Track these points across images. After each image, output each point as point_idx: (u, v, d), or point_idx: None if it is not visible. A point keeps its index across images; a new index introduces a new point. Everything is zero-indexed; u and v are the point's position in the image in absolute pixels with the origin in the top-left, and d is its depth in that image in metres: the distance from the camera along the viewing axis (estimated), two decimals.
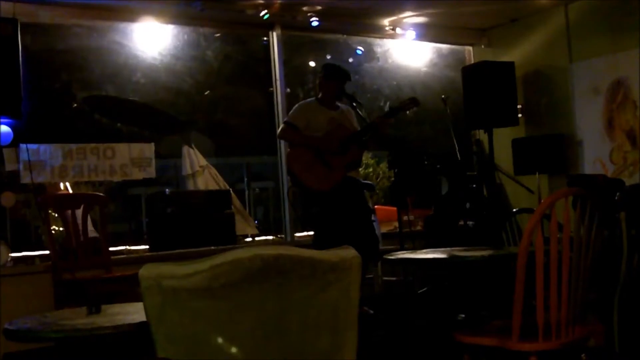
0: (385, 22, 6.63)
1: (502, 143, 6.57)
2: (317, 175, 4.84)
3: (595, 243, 2.65)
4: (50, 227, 4.54)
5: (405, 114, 5.28)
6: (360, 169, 5.86)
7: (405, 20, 6.63)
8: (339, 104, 5.08)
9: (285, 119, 5.10)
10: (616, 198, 3.27)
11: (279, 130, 5.17)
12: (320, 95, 5.08)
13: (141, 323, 2.03)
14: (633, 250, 3.23)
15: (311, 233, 5.41)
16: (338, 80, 5.01)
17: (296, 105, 5.13)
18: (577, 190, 2.67)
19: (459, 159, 5.80)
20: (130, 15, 5.70)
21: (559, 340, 2.55)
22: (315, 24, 6.14)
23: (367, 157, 7.17)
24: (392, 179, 6.09)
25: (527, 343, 2.54)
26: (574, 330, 2.62)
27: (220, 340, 1.84)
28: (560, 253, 2.51)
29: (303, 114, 4.98)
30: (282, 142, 6.06)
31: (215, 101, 7.03)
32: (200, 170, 6.30)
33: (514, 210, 4.19)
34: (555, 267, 2.51)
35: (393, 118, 4.98)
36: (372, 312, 4.73)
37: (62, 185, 5.51)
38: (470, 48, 7.43)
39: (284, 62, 6.29)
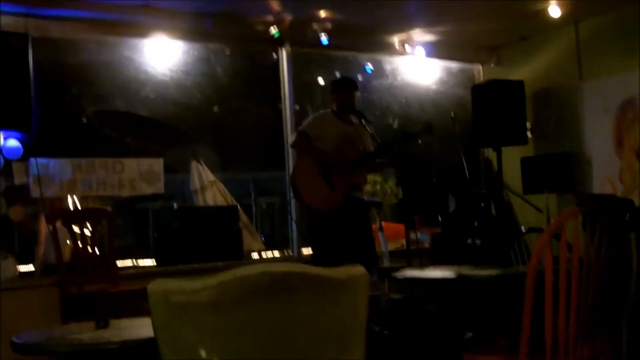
0: (395, 39, 6.65)
1: (510, 161, 6.55)
2: (318, 193, 4.84)
3: (604, 263, 2.63)
4: (58, 242, 4.55)
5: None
6: (367, 186, 5.85)
7: (414, 37, 6.65)
8: (353, 119, 5.08)
9: (299, 128, 5.11)
10: (626, 218, 3.26)
11: (291, 139, 5.19)
12: (334, 108, 5.11)
13: (148, 338, 2.03)
14: None
15: None
16: (344, 90, 5.03)
17: (311, 116, 5.17)
18: (587, 210, 2.66)
19: (467, 176, 5.79)
20: (141, 30, 5.74)
21: (567, 359, 2.53)
22: (324, 41, 6.17)
23: (374, 174, 7.17)
24: (400, 196, 6.08)
25: None
26: (582, 349, 2.60)
27: (226, 355, 1.84)
28: (569, 273, 2.49)
29: (317, 124, 5.00)
30: (290, 158, 6.07)
31: (224, 116, 7.05)
32: (208, 185, 6.32)
33: (523, 229, 4.18)
34: (564, 287, 2.49)
35: (405, 144, 4.96)
36: (378, 329, 4.70)
37: (70, 200, 5.53)
38: (480, 66, 7.44)
39: (293, 79, 6.32)
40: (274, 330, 1.86)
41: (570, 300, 2.51)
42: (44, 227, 5.14)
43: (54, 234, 4.50)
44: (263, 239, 6.72)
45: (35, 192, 5.09)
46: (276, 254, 6.37)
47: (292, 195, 5.13)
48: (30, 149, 5.07)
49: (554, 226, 2.53)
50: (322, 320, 1.92)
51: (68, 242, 4.77)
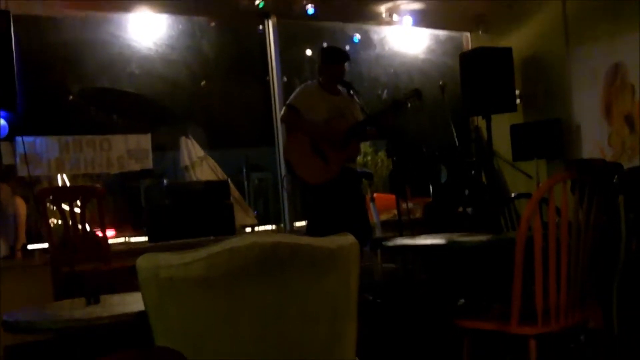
0: (382, 8, 6.60)
1: (500, 129, 6.55)
2: (312, 168, 4.82)
3: (593, 227, 2.64)
4: (48, 221, 4.53)
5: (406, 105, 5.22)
6: (358, 158, 5.83)
7: (401, 6, 6.60)
8: (341, 88, 5.03)
9: (287, 102, 5.05)
10: (614, 182, 3.26)
11: (281, 113, 5.14)
12: (321, 79, 5.04)
13: (139, 313, 2.03)
14: (631, 234, 3.22)
15: None
16: (337, 62, 4.97)
17: (298, 88, 5.08)
18: (575, 174, 2.66)
19: (457, 146, 5.78)
20: (124, 5, 5.67)
21: (558, 324, 2.55)
22: (310, 11, 6.11)
23: (365, 146, 7.15)
24: (391, 167, 6.08)
25: (527, 327, 2.55)
26: (573, 313, 2.62)
27: (218, 329, 1.84)
28: (558, 237, 2.50)
29: (305, 97, 4.94)
30: (280, 133, 6.04)
31: (212, 91, 7.00)
32: (198, 161, 6.30)
33: (513, 195, 4.19)
34: (553, 252, 2.50)
35: (396, 112, 4.92)
36: (371, 298, 4.73)
37: (59, 179, 5.51)
38: (468, 34, 7.41)
39: (280, 51, 6.27)
40: (265, 303, 1.86)
41: (561, 265, 2.52)
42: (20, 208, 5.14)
43: (43, 212, 4.47)
44: (256, 214, 6.72)
45: (22, 172, 5.06)
46: (269, 228, 6.38)
47: (285, 171, 5.11)
48: (17, 128, 5.03)
49: (542, 190, 2.53)
50: (314, 291, 1.92)
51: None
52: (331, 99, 4.96)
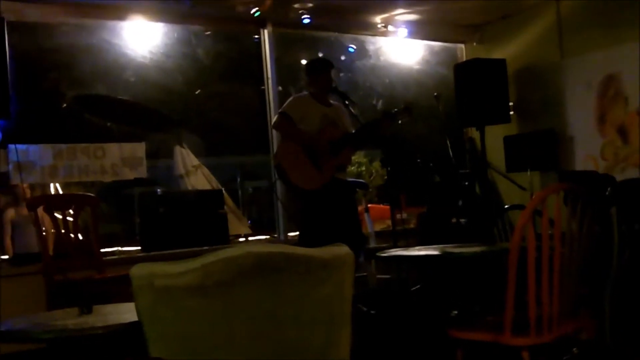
0: (377, 19, 6.63)
1: (494, 140, 6.57)
2: (305, 174, 4.83)
3: (586, 238, 2.65)
4: (41, 229, 4.51)
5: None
6: (353, 168, 5.84)
7: (397, 17, 6.63)
8: (332, 101, 5.06)
9: (280, 110, 5.08)
10: (607, 193, 3.28)
11: (274, 121, 5.16)
12: (312, 91, 5.07)
13: (133, 323, 2.02)
14: (624, 245, 3.24)
15: None
16: (322, 72, 5.00)
17: (290, 98, 5.11)
18: (568, 186, 2.68)
19: (452, 156, 5.80)
20: (119, 13, 5.67)
21: (550, 334, 2.55)
22: (306, 21, 6.13)
23: (359, 156, 7.16)
24: (385, 177, 6.08)
25: (520, 338, 2.55)
26: (565, 324, 2.63)
27: (214, 338, 1.83)
28: (551, 248, 2.51)
29: (298, 106, 4.96)
30: (274, 141, 6.05)
31: (207, 100, 7.02)
32: (192, 170, 6.29)
33: (506, 206, 4.19)
34: (546, 263, 2.51)
35: (388, 123, 4.94)
36: (365, 309, 4.72)
37: (52, 187, 5.50)
38: (462, 45, 7.44)
39: (276, 60, 6.28)
40: (260, 312, 1.86)
41: (553, 275, 2.53)
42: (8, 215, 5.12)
43: (36, 221, 4.45)
44: (250, 223, 6.71)
45: (15, 179, 5.04)
46: (263, 238, 6.37)
47: (277, 176, 5.11)
48: (10, 136, 5.02)
49: (535, 202, 2.54)
50: (309, 300, 1.93)
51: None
52: (323, 109, 4.98)
